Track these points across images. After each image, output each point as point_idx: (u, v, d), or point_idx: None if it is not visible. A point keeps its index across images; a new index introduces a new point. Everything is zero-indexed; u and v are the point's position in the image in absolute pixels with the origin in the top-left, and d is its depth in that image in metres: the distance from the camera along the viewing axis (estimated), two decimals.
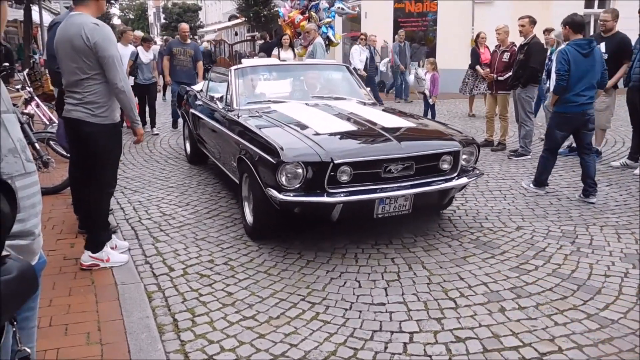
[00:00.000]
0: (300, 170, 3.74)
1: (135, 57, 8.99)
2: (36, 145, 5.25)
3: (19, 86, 7.61)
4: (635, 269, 3.74)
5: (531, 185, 5.59)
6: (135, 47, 9.34)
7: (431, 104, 9.84)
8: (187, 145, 7.19)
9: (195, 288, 3.56)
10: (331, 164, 3.73)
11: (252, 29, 29.99)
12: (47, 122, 6.98)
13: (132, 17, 69.94)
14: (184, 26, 9.80)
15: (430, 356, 2.78)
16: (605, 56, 6.19)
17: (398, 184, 3.94)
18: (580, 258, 3.94)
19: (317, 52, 9.29)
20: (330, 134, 4.19)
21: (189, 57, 9.33)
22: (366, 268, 3.81)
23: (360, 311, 3.23)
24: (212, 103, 5.63)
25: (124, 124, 9.64)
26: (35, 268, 1.50)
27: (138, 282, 3.61)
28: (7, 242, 1.42)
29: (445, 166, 4.17)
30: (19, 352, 1.52)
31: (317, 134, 4.14)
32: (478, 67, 9.52)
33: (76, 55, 3.50)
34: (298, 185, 3.77)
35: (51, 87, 7.34)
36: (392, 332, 3.00)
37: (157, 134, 9.39)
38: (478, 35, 10.20)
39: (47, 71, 8.02)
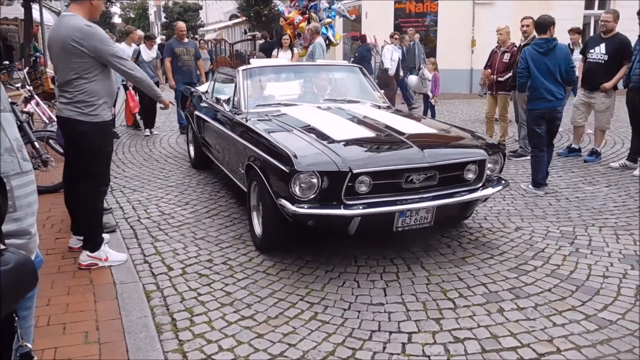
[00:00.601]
0: (315, 180, 3.48)
1: (137, 55, 8.85)
2: (35, 144, 5.25)
3: (18, 84, 7.61)
4: (633, 270, 3.74)
5: (530, 186, 5.59)
6: (137, 45, 9.29)
7: (433, 104, 9.86)
8: (191, 149, 6.93)
9: (194, 287, 3.56)
10: (349, 174, 3.47)
11: (253, 29, 29.97)
12: (47, 121, 6.97)
13: (132, 16, 69.92)
14: (181, 25, 9.41)
15: (428, 356, 2.78)
16: (606, 57, 6.22)
17: (420, 196, 3.68)
18: (579, 259, 3.94)
19: (316, 52, 9.26)
20: (347, 141, 3.90)
21: (192, 57, 9.04)
22: (365, 268, 3.81)
23: (359, 311, 3.23)
24: (218, 105, 5.36)
25: (124, 123, 9.71)
26: None
27: (137, 282, 3.60)
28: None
29: (470, 176, 3.93)
30: (20, 348, 1.52)
31: (333, 140, 3.87)
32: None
33: (67, 56, 3.55)
34: (313, 196, 3.51)
35: (51, 86, 7.36)
36: (390, 333, 3.00)
37: (156, 134, 9.24)
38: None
39: (47, 70, 8.03)
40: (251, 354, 2.81)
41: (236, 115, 4.82)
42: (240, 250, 4.17)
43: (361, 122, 4.47)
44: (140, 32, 10.83)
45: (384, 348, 2.85)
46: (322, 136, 3.96)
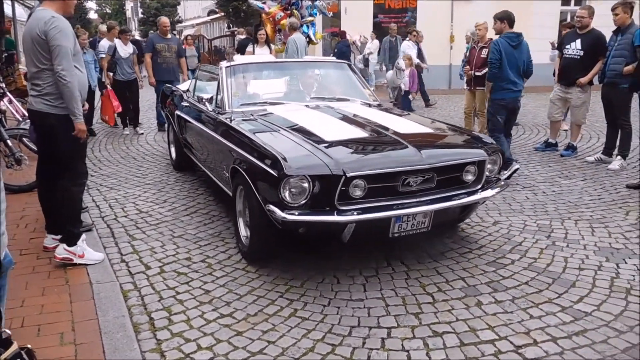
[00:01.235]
0: (306, 185, 3.26)
1: (112, 51, 8.58)
2: (8, 142, 5.13)
3: None
4: (608, 262, 3.80)
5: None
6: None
7: (411, 99, 9.93)
8: (172, 150, 6.62)
9: (172, 286, 3.52)
10: (343, 178, 3.25)
11: (232, 24, 29.75)
12: (20, 119, 6.83)
13: (109, 11, 68.83)
14: (165, 20, 9.05)
15: (407, 351, 2.79)
16: (581, 53, 6.30)
17: (417, 199, 3.48)
18: (556, 252, 4.00)
19: (289, 48, 9.02)
20: (339, 142, 3.68)
21: (173, 54, 8.70)
22: (344, 264, 3.81)
23: (339, 307, 3.23)
24: (200, 104, 5.05)
25: (99, 121, 9.52)
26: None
27: (114, 281, 3.55)
28: None
29: (469, 177, 3.74)
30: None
31: (324, 141, 3.65)
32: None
33: (35, 48, 3.53)
34: (303, 202, 3.29)
35: (24, 83, 7.20)
36: (370, 328, 3.00)
37: (142, 133, 8.91)
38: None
39: (19, 66, 7.85)
40: (230, 352, 2.79)
41: (219, 115, 4.59)
42: (219, 248, 4.14)
43: (352, 121, 4.28)
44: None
45: (364, 343, 2.86)
46: (312, 137, 3.74)
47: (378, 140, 3.88)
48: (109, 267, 3.77)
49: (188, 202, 5.27)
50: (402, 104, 10.29)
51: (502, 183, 4.02)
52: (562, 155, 6.93)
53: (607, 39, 6.29)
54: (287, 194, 3.27)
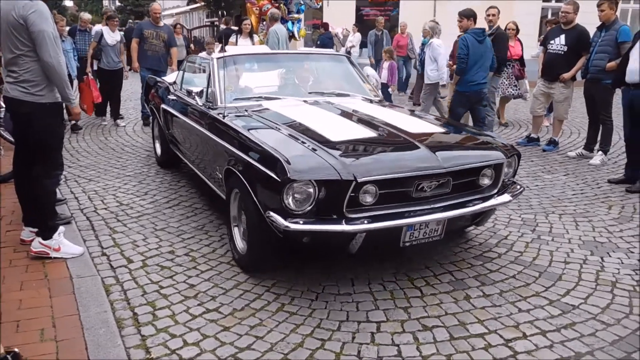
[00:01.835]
0: (311, 191, 2.95)
1: (99, 38, 8.17)
2: None
3: None
4: (593, 256, 3.83)
5: None
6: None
7: (390, 93, 9.92)
8: (157, 145, 6.28)
9: (156, 280, 3.44)
10: (354, 183, 2.95)
11: (212, 14, 29.40)
12: None
13: None
14: (156, 6, 8.54)
15: (397, 345, 2.76)
16: (565, 48, 6.34)
17: (431, 206, 3.21)
18: (541, 246, 4.01)
19: (270, 40, 8.90)
20: (347, 143, 3.40)
21: (162, 42, 8.27)
22: (331, 258, 3.76)
23: (327, 302, 3.18)
24: (189, 98, 4.73)
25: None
26: None
27: (95, 275, 3.45)
28: None
29: (486, 181, 3.48)
30: None
31: (330, 142, 3.34)
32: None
33: (10, 32, 3.40)
34: (308, 209, 2.99)
35: None
36: (359, 322, 2.97)
37: (123, 126, 8.53)
38: (506, 27, 8.52)
39: None
40: (217, 347, 2.73)
41: (211, 110, 4.26)
42: (203, 242, 4.06)
43: (357, 118, 3.98)
44: (87, 16, 9.66)
45: (353, 338, 2.82)
46: (316, 137, 3.43)
47: (388, 140, 3.57)
48: (89, 261, 3.67)
49: (170, 195, 5.17)
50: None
51: (518, 187, 3.73)
52: (544, 150, 6.99)
53: (591, 35, 6.33)
54: (290, 200, 2.96)
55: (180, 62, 10.48)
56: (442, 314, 3.05)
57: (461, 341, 2.80)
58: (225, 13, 21.41)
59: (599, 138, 6.42)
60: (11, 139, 5.50)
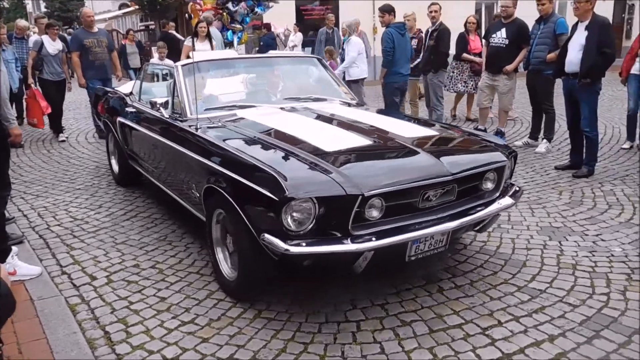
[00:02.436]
0: (311, 208, 2.69)
1: (39, 47, 7.66)
2: None
3: None
4: (552, 241, 3.99)
5: None
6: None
7: None
8: (114, 162, 5.80)
9: (124, 296, 3.31)
10: (360, 198, 2.71)
11: (146, 18, 28.61)
12: None
13: (6, 5, 64.05)
14: (87, 11, 8.01)
15: (380, 342, 2.78)
16: (507, 41, 6.57)
17: (437, 216, 3.02)
18: (503, 234, 4.15)
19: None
20: (343, 153, 3.12)
21: (105, 48, 7.77)
22: None
23: (304, 305, 3.17)
24: (152, 110, 4.30)
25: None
26: None
27: (57, 296, 3.30)
28: None
29: (489, 185, 3.34)
30: None
31: (324, 152, 3.07)
32: (466, 55, 8.40)
33: None
34: (309, 228, 2.72)
35: None
36: (339, 323, 2.97)
37: (63, 140, 7.93)
38: (467, 21, 8.74)
39: None
40: None
41: (180, 122, 3.94)
42: (168, 252, 3.95)
43: (344, 125, 3.73)
44: (23, 23, 9.32)
45: (335, 339, 2.82)
46: (307, 147, 3.16)
47: (385, 147, 3.36)
48: (49, 281, 3.50)
49: (126, 206, 4.99)
50: None
51: (517, 189, 3.60)
52: None
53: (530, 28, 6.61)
54: (289, 220, 2.68)
55: (135, 71, 10.02)
56: (418, 308, 3.10)
57: (440, 333, 2.85)
58: (166, 18, 20.85)
59: (542, 127, 6.70)
60: None
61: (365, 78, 7.99)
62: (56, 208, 4.97)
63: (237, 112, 4.03)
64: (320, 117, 3.98)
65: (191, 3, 10.45)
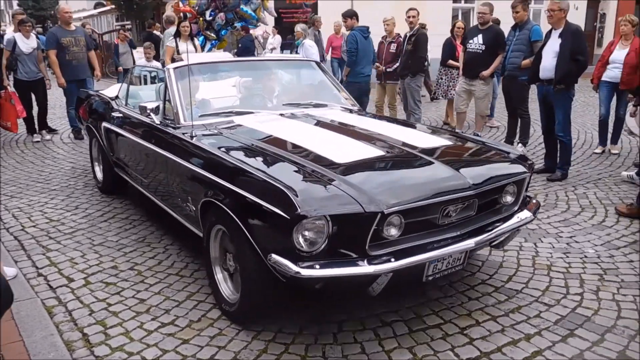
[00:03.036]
0: (324, 227, 2.45)
1: (12, 46, 7.30)
2: None
3: None
4: (527, 242, 4.08)
5: None
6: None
7: None
8: (98, 169, 5.51)
9: (102, 298, 3.28)
10: (379, 215, 2.49)
11: (123, 18, 28.27)
12: None
13: None
14: (65, 6, 7.70)
15: (360, 342, 2.81)
16: (483, 47, 6.69)
17: (457, 232, 2.82)
18: None
19: (165, 41, 8.47)
20: (355, 165, 2.88)
21: (82, 47, 7.52)
22: None
23: (285, 306, 3.17)
24: (141, 116, 4.03)
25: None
26: None
27: (33, 298, 3.25)
28: None
29: (508, 198, 3.15)
30: None
31: (335, 164, 2.84)
32: (452, 62, 8.41)
33: None
34: (321, 248, 2.49)
35: None
36: (319, 324, 2.98)
37: (48, 139, 7.77)
38: (454, 26, 8.79)
39: None
40: None
41: (173, 129, 3.68)
42: (147, 254, 3.92)
43: (351, 133, 3.50)
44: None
45: (316, 340, 2.84)
46: (316, 159, 2.94)
47: (399, 158, 3.11)
48: (25, 283, 3.44)
49: (103, 207, 4.93)
50: None
51: (535, 201, 3.38)
52: None
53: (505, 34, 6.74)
54: (301, 240, 2.46)
55: (126, 71, 9.70)
56: (399, 308, 3.13)
57: (420, 333, 2.89)
58: (143, 17, 20.64)
59: (518, 131, 6.82)
60: None
61: None
62: (31, 209, 4.88)
63: (234, 119, 3.79)
64: (323, 124, 3.76)
65: (174, 2, 10.32)
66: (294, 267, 2.44)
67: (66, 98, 7.81)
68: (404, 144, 3.25)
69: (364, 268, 2.51)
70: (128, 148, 4.49)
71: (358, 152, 3.06)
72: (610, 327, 2.94)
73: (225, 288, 3.10)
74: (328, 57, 12.88)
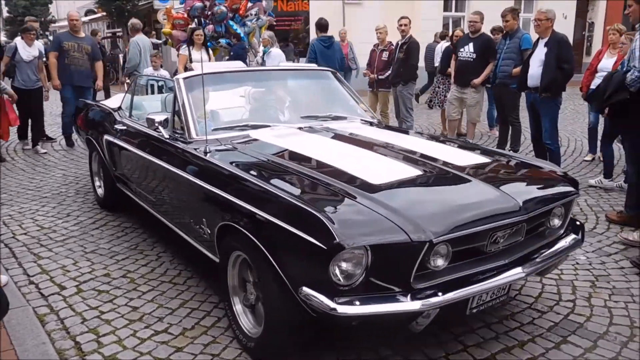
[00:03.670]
0: (363, 257, 2.20)
1: (12, 52, 7.15)
2: None
3: None
4: None
5: None
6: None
7: None
8: (98, 184, 5.21)
9: (95, 306, 3.26)
10: (427, 245, 2.23)
11: (114, 25, 28.23)
12: None
13: None
14: (73, 14, 7.55)
15: (356, 349, 2.80)
16: (474, 55, 6.75)
17: (505, 260, 2.55)
18: None
19: (131, 50, 8.14)
20: (394, 186, 2.62)
21: (85, 55, 7.34)
22: None
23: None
24: (148, 129, 3.74)
25: None
26: None
27: (25, 306, 3.22)
28: None
29: (556, 221, 2.92)
30: None
31: (371, 186, 2.56)
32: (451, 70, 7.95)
33: None
34: (358, 281, 2.23)
35: None
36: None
37: (45, 152, 7.45)
38: (453, 34, 8.73)
39: None
40: None
41: (183, 144, 3.41)
42: (140, 261, 3.90)
43: (380, 149, 3.24)
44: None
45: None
46: (348, 179, 2.66)
47: (439, 178, 2.83)
48: (16, 291, 3.41)
49: (95, 215, 4.91)
50: None
51: (578, 223, 3.15)
52: None
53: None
54: (338, 272, 2.20)
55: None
56: None
57: (413, 339, 2.89)
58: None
59: (509, 138, 6.88)
60: None
61: None
62: (22, 217, 4.84)
63: (249, 133, 3.52)
64: (347, 139, 3.48)
65: (167, 7, 10.33)
66: (329, 303, 2.16)
67: (62, 104, 7.63)
68: (441, 161, 3.00)
69: (410, 304, 2.24)
70: (133, 163, 4.20)
71: (393, 171, 2.80)
72: (603, 333, 2.96)
73: (245, 321, 2.82)
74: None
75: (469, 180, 2.75)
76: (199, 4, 9.84)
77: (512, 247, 2.63)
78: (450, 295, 2.31)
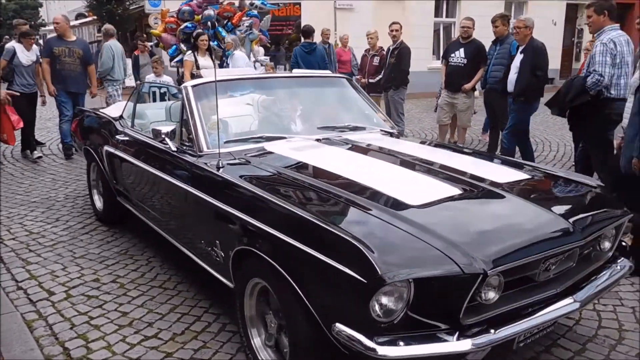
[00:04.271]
0: (406, 293, 1.94)
1: (11, 56, 6.96)
2: None
3: None
4: None
5: None
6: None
7: None
8: (97, 197, 4.93)
9: (84, 311, 3.23)
10: (481, 277, 1.97)
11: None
12: None
13: None
14: (56, 17, 7.30)
15: None
16: (465, 61, 6.80)
17: (556, 289, 2.33)
18: None
19: (104, 55, 7.94)
20: (436, 208, 2.33)
21: (77, 59, 7.13)
22: None
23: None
24: (153, 141, 3.50)
25: None
26: None
27: (13, 312, 3.20)
28: None
29: (606, 245, 2.66)
30: None
31: (409, 207, 2.29)
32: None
33: None
34: (399, 317, 1.97)
35: None
36: None
37: (40, 157, 7.31)
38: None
39: None
40: None
41: (192, 157, 3.12)
42: (130, 266, 3.88)
43: (409, 164, 2.98)
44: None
45: None
46: (383, 199, 2.40)
47: (483, 199, 2.56)
48: (4, 297, 3.39)
49: (84, 220, 4.87)
50: None
51: (623, 243, 2.88)
52: None
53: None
54: (377, 308, 1.94)
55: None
56: None
57: None
58: (125, 29, 20.57)
59: (499, 143, 6.92)
60: None
61: None
62: (10, 221, 4.80)
63: (264, 145, 3.23)
64: (371, 152, 3.21)
65: (162, 10, 10.33)
66: (368, 343, 1.90)
67: (58, 110, 7.42)
68: (478, 178, 2.73)
69: (460, 344, 1.98)
70: (136, 177, 3.93)
71: (430, 190, 2.50)
72: (592, 336, 2.98)
73: (265, 356, 2.58)
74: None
75: (515, 201, 2.48)
76: (187, 7, 9.86)
77: (563, 274, 2.40)
78: (503, 333, 2.07)
